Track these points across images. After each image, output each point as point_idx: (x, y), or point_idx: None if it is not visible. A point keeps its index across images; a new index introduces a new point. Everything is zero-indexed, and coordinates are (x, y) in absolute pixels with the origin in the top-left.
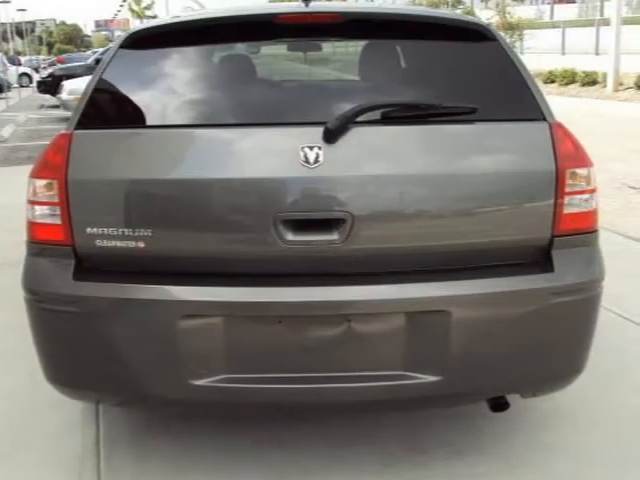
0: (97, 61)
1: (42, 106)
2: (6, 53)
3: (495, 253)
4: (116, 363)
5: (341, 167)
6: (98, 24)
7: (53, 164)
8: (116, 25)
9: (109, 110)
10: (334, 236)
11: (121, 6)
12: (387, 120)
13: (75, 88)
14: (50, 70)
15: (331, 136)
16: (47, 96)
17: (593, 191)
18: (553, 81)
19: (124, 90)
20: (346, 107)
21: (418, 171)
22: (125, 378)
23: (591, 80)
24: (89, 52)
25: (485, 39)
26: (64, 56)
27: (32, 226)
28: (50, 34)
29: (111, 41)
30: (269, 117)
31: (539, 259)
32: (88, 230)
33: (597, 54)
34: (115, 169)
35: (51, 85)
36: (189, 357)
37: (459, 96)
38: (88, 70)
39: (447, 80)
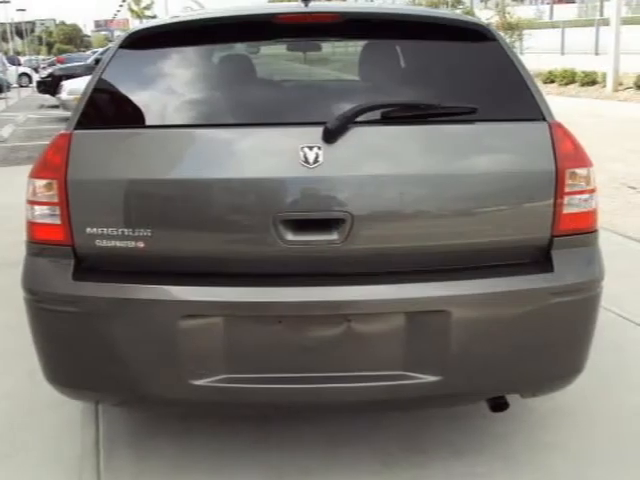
0: (97, 61)
1: (42, 106)
2: (6, 53)
3: (495, 253)
4: (116, 363)
5: (341, 167)
6: (98, 24)
7: (53, 164)
8: (116, 25)
9: (109, 110)
10: (334, 236)
11: (120, 6)
12: (387, 120)
13: (75, 88)
14: (50, 70)
15: (331, 136)
16: (47, 96)
17: (593, 191)
18: (553, 81)
19: (124, 90)
20: (346, 107)
21: (418, 171)
22: (125, 378)
23: (591, 80)
24: (89, 52)
25: (485, 39)
26: (64, 56)
27: (32, 226)
28: (50, 34)
29: (111, 41)
30: (269, 117)
31: (539, 259)
32: (88, 230)
33: (597, 54)
34: (115, 169)
35: (51, 85)
36: (189, 357)
37: (459, 96)
38: (88, 70)
39: (447, 80)
